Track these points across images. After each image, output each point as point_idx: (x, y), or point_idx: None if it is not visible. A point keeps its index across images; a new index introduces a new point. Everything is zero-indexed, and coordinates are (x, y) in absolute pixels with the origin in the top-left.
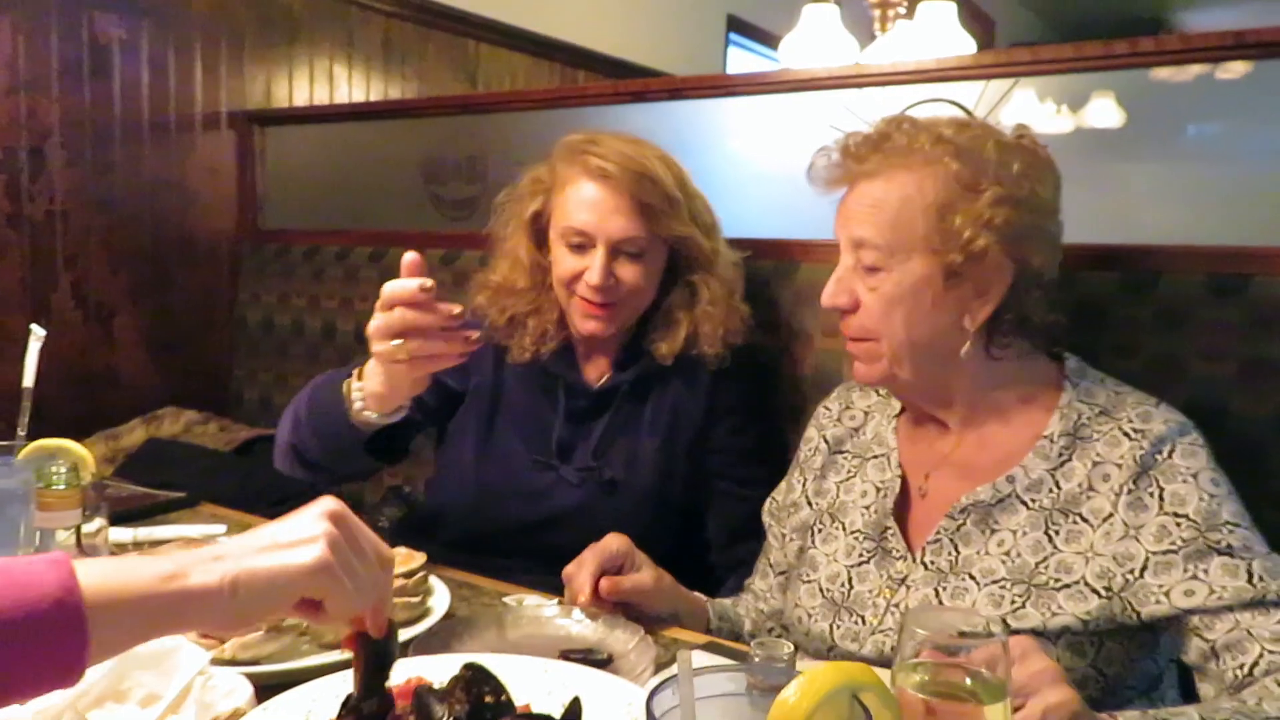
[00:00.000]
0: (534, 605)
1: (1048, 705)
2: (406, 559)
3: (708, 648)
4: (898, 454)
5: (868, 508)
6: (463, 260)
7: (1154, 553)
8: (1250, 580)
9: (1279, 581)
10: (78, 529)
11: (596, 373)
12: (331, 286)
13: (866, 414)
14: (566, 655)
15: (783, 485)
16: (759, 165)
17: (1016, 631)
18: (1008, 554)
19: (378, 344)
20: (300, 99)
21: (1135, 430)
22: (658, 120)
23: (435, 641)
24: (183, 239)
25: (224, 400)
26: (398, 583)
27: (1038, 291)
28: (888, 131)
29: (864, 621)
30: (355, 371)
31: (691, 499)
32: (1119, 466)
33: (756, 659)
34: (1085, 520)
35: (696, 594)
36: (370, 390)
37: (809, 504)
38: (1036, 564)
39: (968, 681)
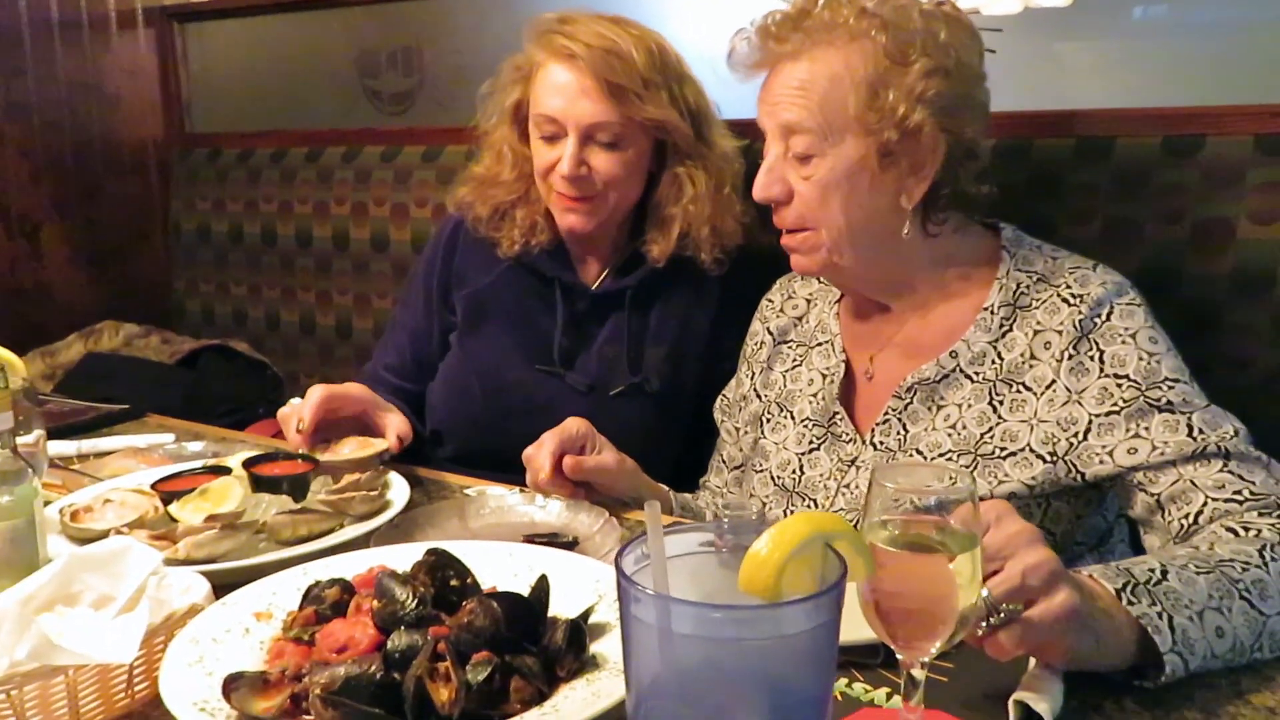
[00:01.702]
0: (496, 495)
1: (1026, 566)
2: (363, 444)
3: (671, 529)
4: (840, 340)
5: (815, 395)
6: (403, 157)
7: (1096, 415)
8: (1190, 434)
9: (1217, 433)
10: (12, 436)
11: (592, 274)
12: (268, 190)
13: (809, 302)
14: (531, 539)
15: (732, 382)
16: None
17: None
18: (953, 427)
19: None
20: None
21: (1073, 296)
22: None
23: (397, 534)
24: (107, 146)
25: (165, 313)
26: (351, 478)
27: (971, 163)
28: (806, 7)
29: (816, 505)
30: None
31: (700, 407)
32: (1059, 333)
33: (725, 521)
34: (1029, 389)
35: (660, 484)
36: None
37: (758, 396)
38: (982, 434)
39: (936, 536)
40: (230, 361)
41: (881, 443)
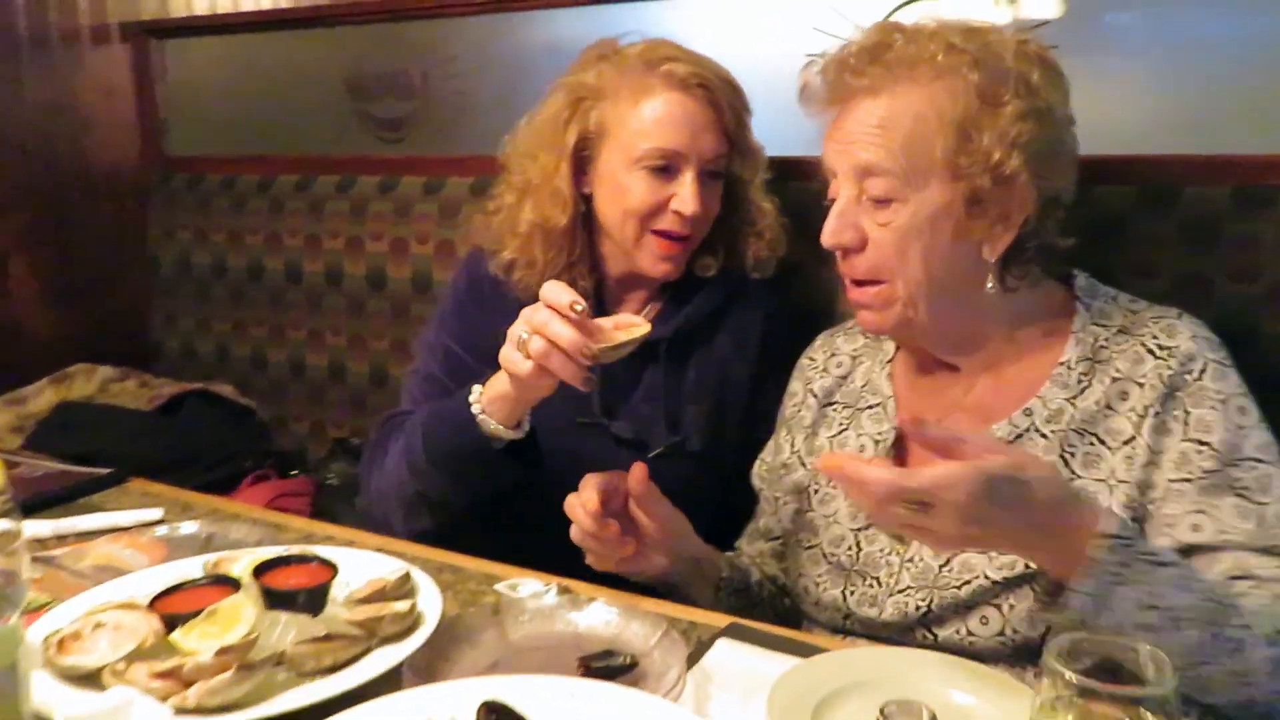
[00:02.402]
0: (533, 594)
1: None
2: (624, 325)
3: (730, 631)
4: (894, 403)
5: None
6: (403, 187)
7: (1171, 480)
8: (1261, 524)
9: None
10: None
11: None
12: (255, 220)
13: (854, 359)
14: (587, 665)
15: (770, 445)
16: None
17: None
18: None
19: (509, 345)
20: (201, 6)
21: (1160, 347)
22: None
23: (431, 654)
24: (79, 171)
25: (142, 352)
26: (376, 585)
27: (1060, 213)
28: (884, 40)
29: (879, 583)
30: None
31: (738, 463)
32: (1141, 385)
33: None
34: (1102, 441)
35: (707, 544)
36: (495, 392)
37: (802, 464)
38: None
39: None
40: (213, 407)
41: None
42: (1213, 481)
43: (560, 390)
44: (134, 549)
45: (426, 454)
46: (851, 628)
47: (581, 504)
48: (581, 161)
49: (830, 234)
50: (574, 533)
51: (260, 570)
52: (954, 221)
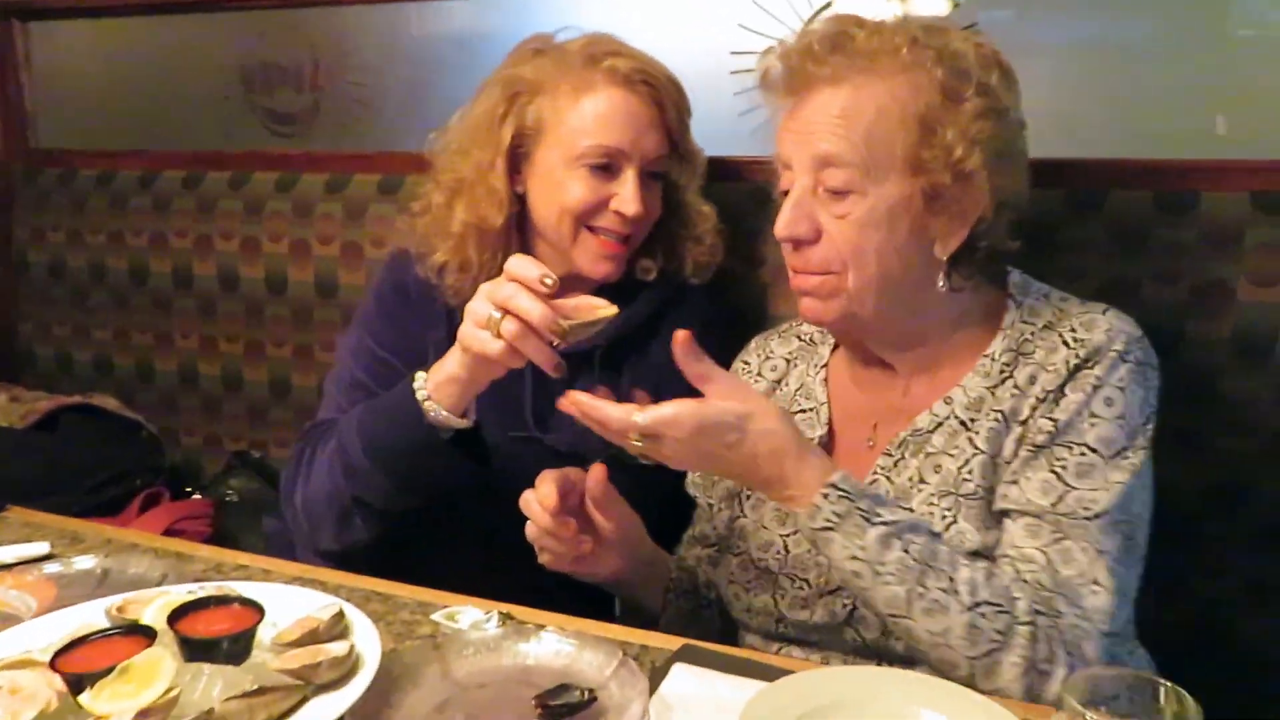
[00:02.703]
0: (475, 624)
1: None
2: (587, 308)
3: (684, 655)
4: (828, 409)
5: None
6: (302, 185)
7: (1014, 450)
8: (1055, 504)
9: (1075, 520)
10: None
11: None
12: (138, 219)
13: (789, 362)
14: (544, 704)
15: None
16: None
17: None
18: (936, 468)
19: (472, 323)
20: None
21: (1075, 339)
22: (533, 19)
23: (373, 699)
24: None
25: (10, 364)
26: (308, 627)
27: (1011, 215)
28: (848, 30)
29: (809, 585)
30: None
31: (677, 471)
32: (1049, 372)
33: None
34: (1004, 420)
35: (657, 546)
36: (443, 375)
37: None
38: (959, 470)
39: None
40: (95, 422)
41: None
42: (1036, 455)
43: (489, 403)
44: (20, 590)
45: (367, 452)
46: (785, 632)
47: (539, 499)
48: (516, 159)
49: (785, 225)
50: (530, 530)
51: (174, 616)
52: (911, 217)
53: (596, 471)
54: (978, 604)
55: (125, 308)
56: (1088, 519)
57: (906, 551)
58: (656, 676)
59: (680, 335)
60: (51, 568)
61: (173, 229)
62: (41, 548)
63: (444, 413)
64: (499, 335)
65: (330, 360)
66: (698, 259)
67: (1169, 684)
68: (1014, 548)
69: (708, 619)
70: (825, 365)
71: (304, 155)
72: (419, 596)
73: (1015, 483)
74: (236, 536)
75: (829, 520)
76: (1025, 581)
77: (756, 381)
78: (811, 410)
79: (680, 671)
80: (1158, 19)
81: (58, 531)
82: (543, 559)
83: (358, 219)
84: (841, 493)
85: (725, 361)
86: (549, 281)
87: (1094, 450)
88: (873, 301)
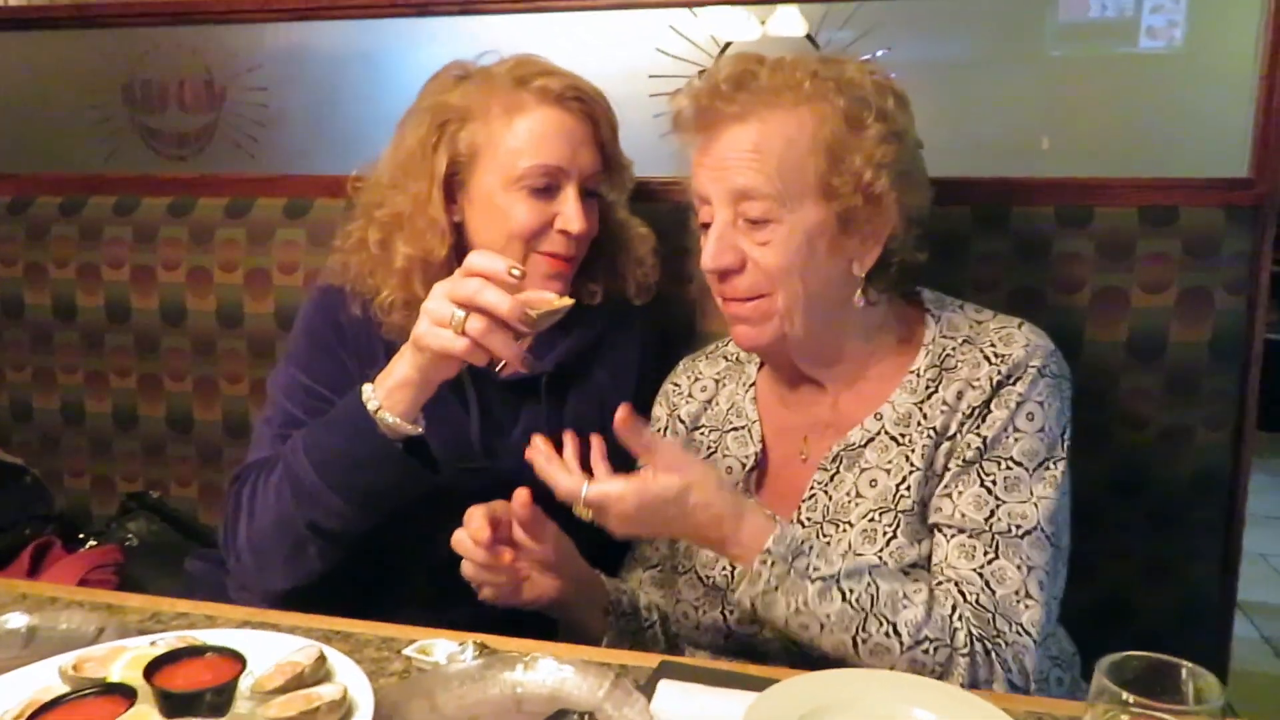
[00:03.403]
0: (451, 656)
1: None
2: (537, 301)
3: (665, 672)
4: (760, 426)
5: (735, 485)
6: (199, 211)
7: (945, 465)
8: (988, 518)
9: (1008, 539)
10: None
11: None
12: (9, 248)
13: (718, 383)
14: None
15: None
16: None
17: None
18: (873, 483)
19: (431, 323)
20: None
21: (996, 355)
22: (444, 41)
23: None
24: None
25: None
26: (292, 669)
27: (917, 230)
28: (749, 69)
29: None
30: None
31: None
32: (975, 388)
33: None
34: (935, 436)
35: (592, 568)
36: (395, 380)
37: None
38: (898, 487)
39: None
40: None
41: (809, 518)
42: (966, 470)
43: (437, 437)
44: None
45: (319, 470)
46: (731, 646)
47: (471, 535)
48: (451, 188)
49: (711, 258)
50: (466, 568)
51: (151, 668)
52: (828, 239)
53: (521, 495)
54: (919, 642)
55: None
56: (1017, 537)
57: (845, 600)
58: (645, 695)
59: (621, 414)
60: None
61: (51, 259)
62: None
63: (396, 420)
64: (462, 333)
65: (237, 392)
66: (639, 280)
67: (1189, 664)
68: (951, 568)
69: (650, 639)
70: (753, 384)
71: (198, 178)
72: (381, 632)
73: (949, 496)
74: (141, 583)
75: (769, 584)
76: (967, 602)
77: (688, 402)
78: (744, 428)
79: (666, 688)
80: (980, 39)
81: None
82: (484, 595)
83: (263, 244)
84: (777, 557)
85: (661, 380)
86: (517, 272)
87: (1019, 464)
88: (801, 321)
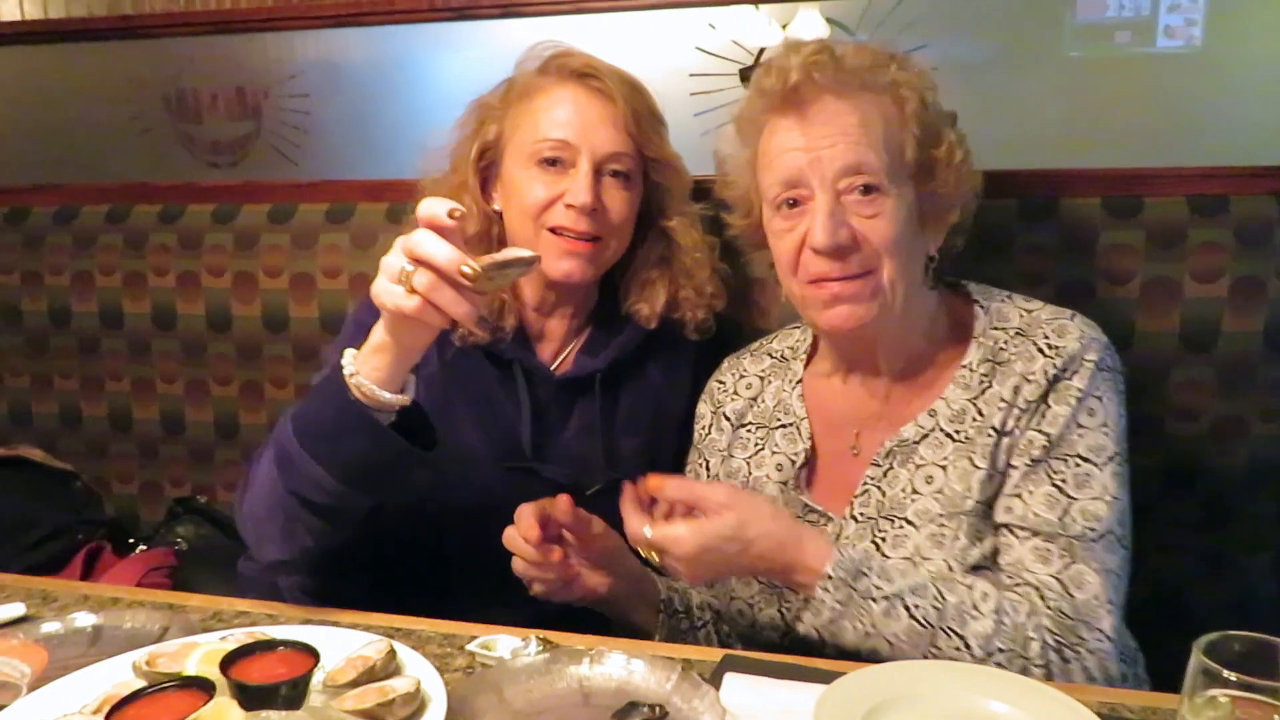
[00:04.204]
0: (515, 651)
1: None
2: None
3: (729, 665)
4: (809, 423)
5: (784, 483)
6: (243, 217)
7: (1011, 464)
8: (1062, 517)
9: (1084, 543)
10: None
11: (549, 353)
12: (58, 258)
13: (763, 380)
14: None
15: (688, 472)
16: None
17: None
18: (939, 492)
19: (384, 278)
20: None
21: (1050, 347)
22: (484, 45)
23: None
24: None
25: None
26: (364, 662)
27: (969, 216)
28: (832, 50)
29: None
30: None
31: None
32: (1030, 382)
33: None
34: (995, 433)
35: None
36: (371, 345)
37: None
38: (963, 491)
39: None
40: (23, 475)
41: (862, 514)
42: (1034, 469)
43: (484, 434)
44: (8, 656)
45: (298, 434)
46: (790, 645)
47: (522, 533)
48: (488, 178)
49: (828, 234)
50: (517, 565)
51: (226, 661)
52: (917, 218)
53: (562, 502)
54: (989, 654)
55: (45, 352)
56: (1094, 540)
57: (912, 617)
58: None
59: (653, 482)
60: (51, 626)
61: (98, 266)
62: (16, 609)
63: (371, 386)
64: (412, 291)
65: (281, 396)
66: (695, 316)
67: None
68: (1029, 572)
69: (703, 639)
70: (799, 381)
71: (242, 185)
72: (442, 629)
73: (1018, 496)
74: (193, 586)
75: (834, 609)
76: (1048, 608)
77: (733, 399)
78: (792, 425)
79: (733, 681)
80: (1003, 40)
81: (23, 591)
82: (535, 590)
83: (307, 249)
84: (838, 581)
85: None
86: (457, 213)
87: (1087, 459)
88: (901, 296)
